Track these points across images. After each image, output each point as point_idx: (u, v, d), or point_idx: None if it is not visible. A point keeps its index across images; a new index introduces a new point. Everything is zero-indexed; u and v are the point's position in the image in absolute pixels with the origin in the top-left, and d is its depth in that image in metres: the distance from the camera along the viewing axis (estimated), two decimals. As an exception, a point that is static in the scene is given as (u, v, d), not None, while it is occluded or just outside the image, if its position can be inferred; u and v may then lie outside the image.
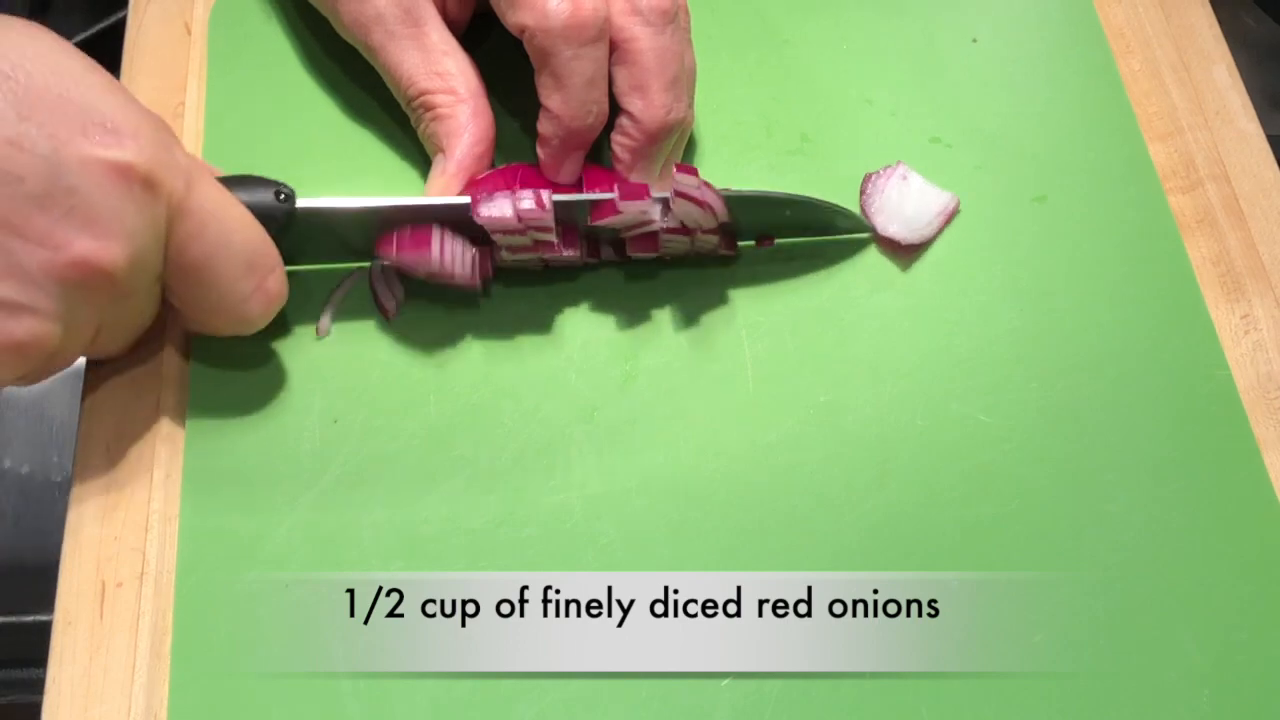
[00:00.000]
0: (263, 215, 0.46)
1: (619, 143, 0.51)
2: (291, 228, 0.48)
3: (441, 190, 0.51)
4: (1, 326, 0.39)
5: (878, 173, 0.56)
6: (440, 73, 0.52)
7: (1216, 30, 0.63)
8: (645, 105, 0.50)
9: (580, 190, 0.52)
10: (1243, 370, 0.53)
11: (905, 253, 0.55)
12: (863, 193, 0.56)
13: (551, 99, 0.50)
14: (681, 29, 0.52)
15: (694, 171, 0.49)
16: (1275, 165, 0.59)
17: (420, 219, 0.49)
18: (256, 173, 0.48)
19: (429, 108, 0.52)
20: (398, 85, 0.53)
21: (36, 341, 0.40)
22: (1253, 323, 0.54)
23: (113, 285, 0.41)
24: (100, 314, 0.43)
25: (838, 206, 0.54)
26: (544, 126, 0.51)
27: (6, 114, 0.39)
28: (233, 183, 0.46)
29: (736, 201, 0.51)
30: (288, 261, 0.48)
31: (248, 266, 0.45)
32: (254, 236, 0.45)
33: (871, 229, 0.55)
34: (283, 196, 0.47)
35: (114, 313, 0.44)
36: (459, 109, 0.52)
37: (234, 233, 0.45)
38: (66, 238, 0.39)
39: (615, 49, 0.50)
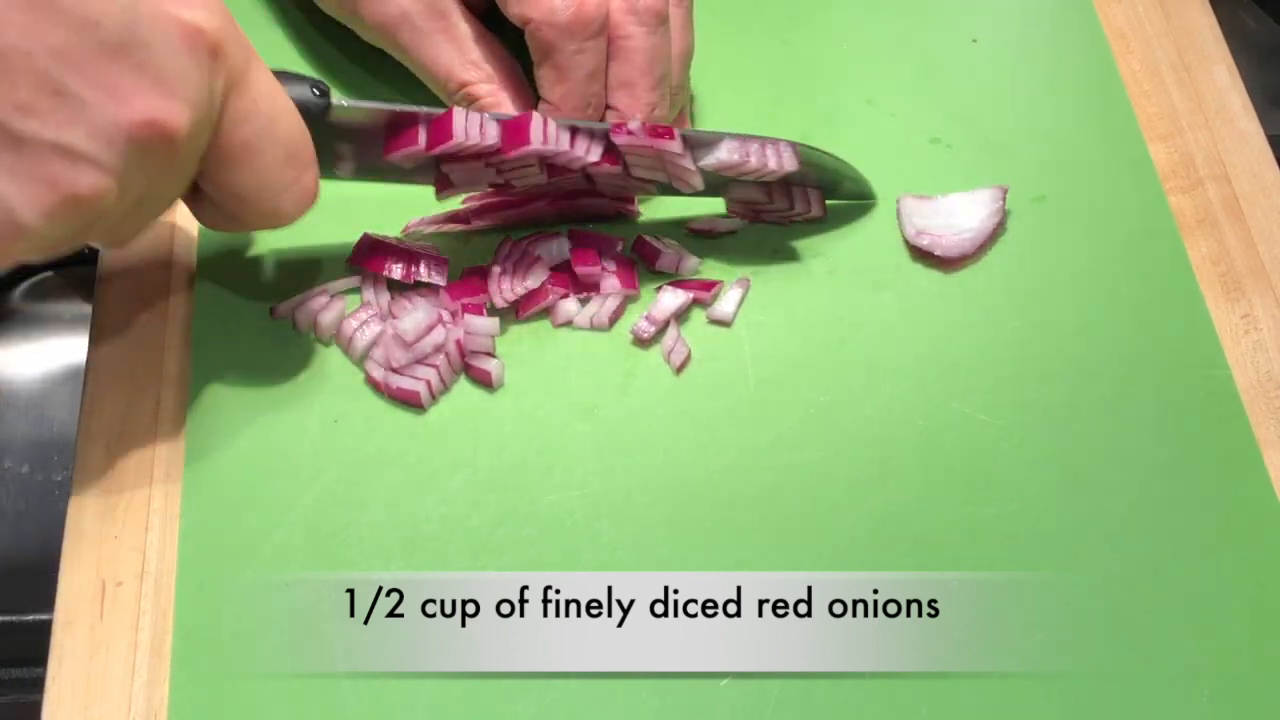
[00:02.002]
0: (301, 109, 0.45)
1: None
2: (323, 129, 0.47)
3: None
4: (64, 175, 0.37)
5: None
6: (475, 61, 0.52)
7: (1216, 30, 0.63)
8: (631, 102, 0.51)
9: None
10: (1243, 369, 0.53)
11: (950, 265, 0.55)
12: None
13: (553, 91, 0.50)
14: (684, 9, 0.53)
15: (669, 133, 0.49)
16: (1275, 165, 0.59)
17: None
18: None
19: (473, 99, 0.52)
20: (436, 81, 0.53)
21: (95, 196, 0.38)
22: (1253, 322, 0.54)
23: (171, 150, 0.39)
24: (147, 183, 0.40)
25: (844, 166, 0.54)
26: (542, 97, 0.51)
27: None
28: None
29: (697, 139, 0.51)
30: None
31: (289, 156, 0.43)
32: (297, 127, 0.44)
33: (905, 238, 0.55)
34: (318, 92, 0.46)
35: (155, 185, 0.41)
36: (502, 96, 0.52)
37: (280, 119, 0.43)
38: (135, 92, 0.38)
39: (608, 44, 0.50)
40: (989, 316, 0.53)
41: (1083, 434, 0.51)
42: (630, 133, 0.49)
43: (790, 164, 0.51)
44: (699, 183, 0.51)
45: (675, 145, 0.49)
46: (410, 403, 0.49)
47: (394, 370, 0.49)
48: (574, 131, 0.49)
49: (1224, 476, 0.50)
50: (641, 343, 0.52)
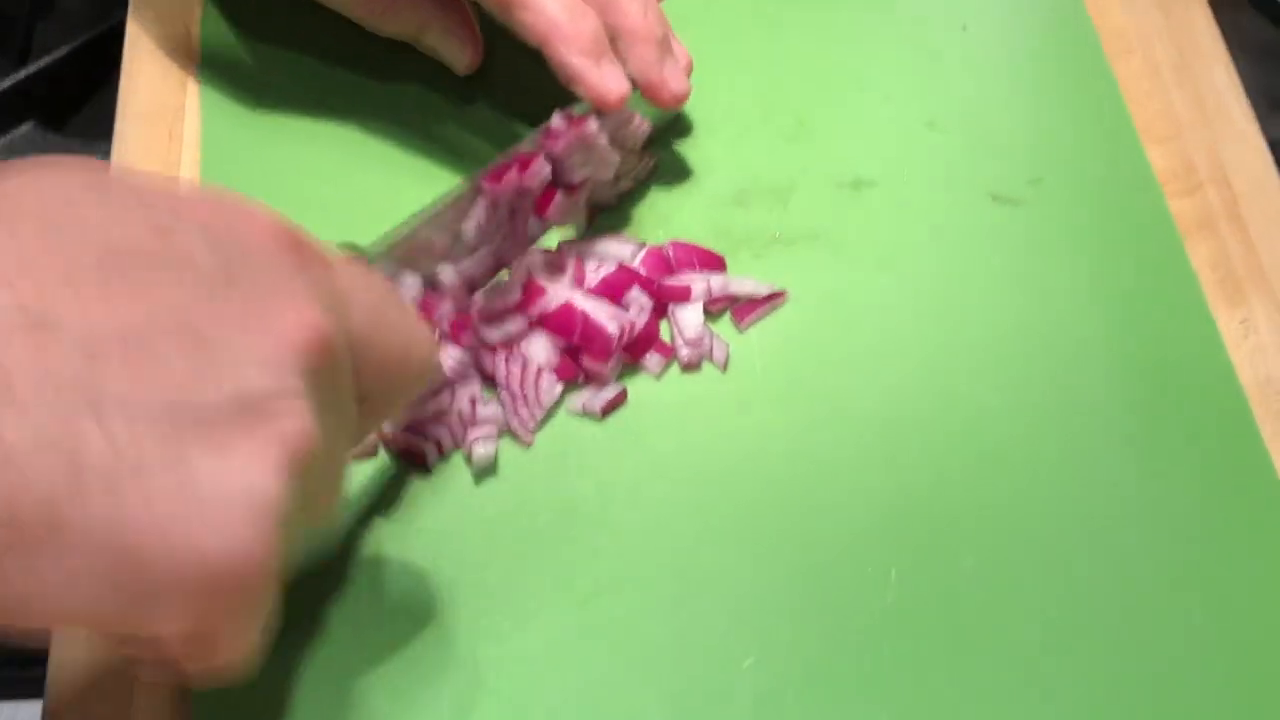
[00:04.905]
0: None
1: (635, 67, 0.51)
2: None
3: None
4: (266, 423, 0.31)
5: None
6: None
7: (1215, 32, 0.63)
8: (626, 20, 0.51)
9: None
10: (1242, 373, 0.53)
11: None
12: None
13: (534, 26, 0.50)
14: None
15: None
16: (1275, 168, 0.59)
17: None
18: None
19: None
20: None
21: (303, 428, 0.32)
22: (1252, 326, 0.54)
23: (332, 355, 0.34)
24: (327, 404, 0.35)
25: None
26: (554, 59, 0.50)
27: (135, 207, 0.33)
28: None
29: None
30: None
31: (401, 304, 0.40)
32: (381, 280, 0.40)
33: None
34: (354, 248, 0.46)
35: (336, 405, 0.36)
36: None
37: (370, 276, 0.39)
38: (269, 311, 0.33)
39: None
40: (990, 302, 0.54)
41: (1091, 414, 0.51)
42: (560, 132, 0.49)
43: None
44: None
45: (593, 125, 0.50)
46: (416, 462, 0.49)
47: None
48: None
49: (1228, 456, 0.51)
50: (690, 368, 0.51)
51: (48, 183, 0.32)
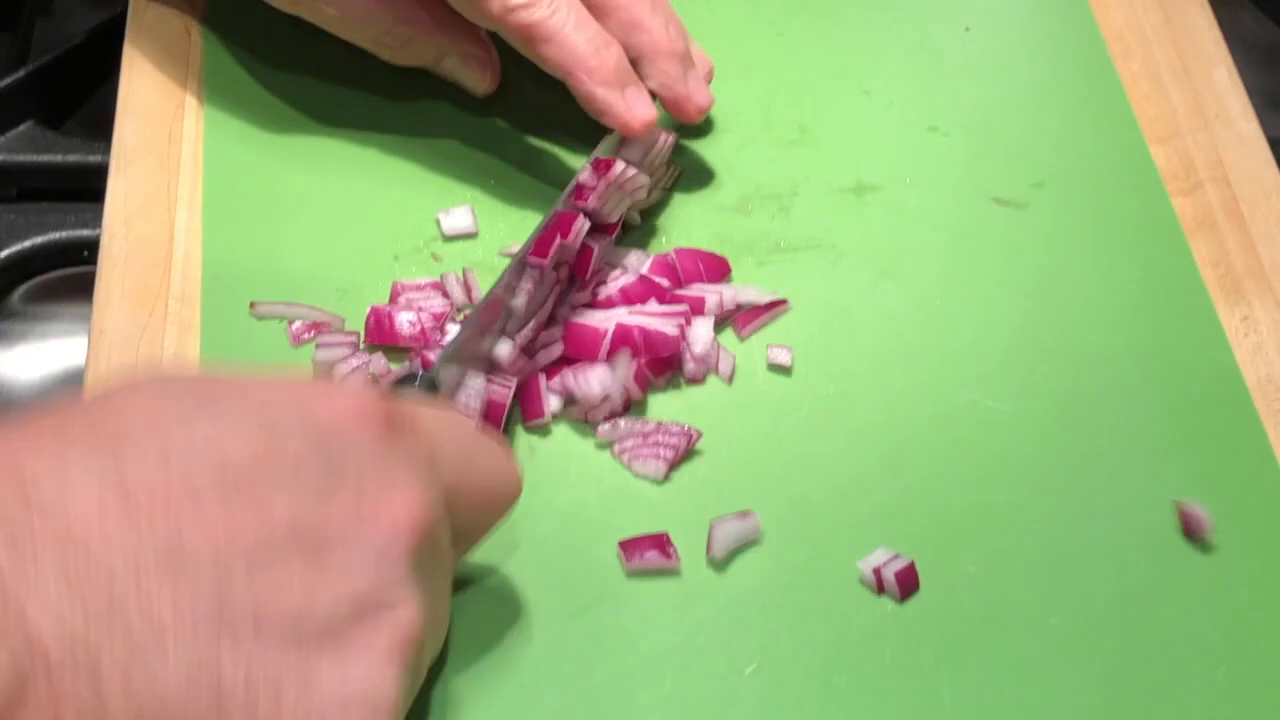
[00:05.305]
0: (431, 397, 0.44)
1: (659, 83, 0.52)
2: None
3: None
4: (384, 621, 0.33)
5: None
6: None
7: (1216, 32, 0.63)
8: (650, 39, 0.51)
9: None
10: (1243, 372, 0.53)
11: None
12: None
13: (558, 58, 0.50)
14: None
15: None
16: (1275, 167, 0.59)
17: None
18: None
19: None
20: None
21: (414, 622, 0.34)
22: (1253, 324, 0.54)
23: (433, 530, 0.36)
24: (427, 572, 0.36)
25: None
26: (579, 91, 0.50)
27: (240, 417, 0.34)
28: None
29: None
30: None
31: (482, 438, 0.41)
32: (459, 417, 0.42)
33: None
34: (420, 379, 0.46)
35: (436, 581, 0.38)
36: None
37: (450, 417, 0.40)
38: (373, 504, 0.34)
39: (592, 9, 0.51)
40: (992, 306, 0.54)
41: (1090, 416, 0.51)
42: (592, 186, 0.50)
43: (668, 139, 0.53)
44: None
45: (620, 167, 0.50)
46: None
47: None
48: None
49: (1232, 458, 0.51)
50: (695, 382, 0.51)
51: (158, 400, 0.33)
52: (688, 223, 0.55)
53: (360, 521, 0.34)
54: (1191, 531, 0.48)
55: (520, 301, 0.49)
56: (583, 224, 0.50)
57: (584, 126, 0.53)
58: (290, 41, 0.59)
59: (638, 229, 0.55)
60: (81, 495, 0.30)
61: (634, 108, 0.51)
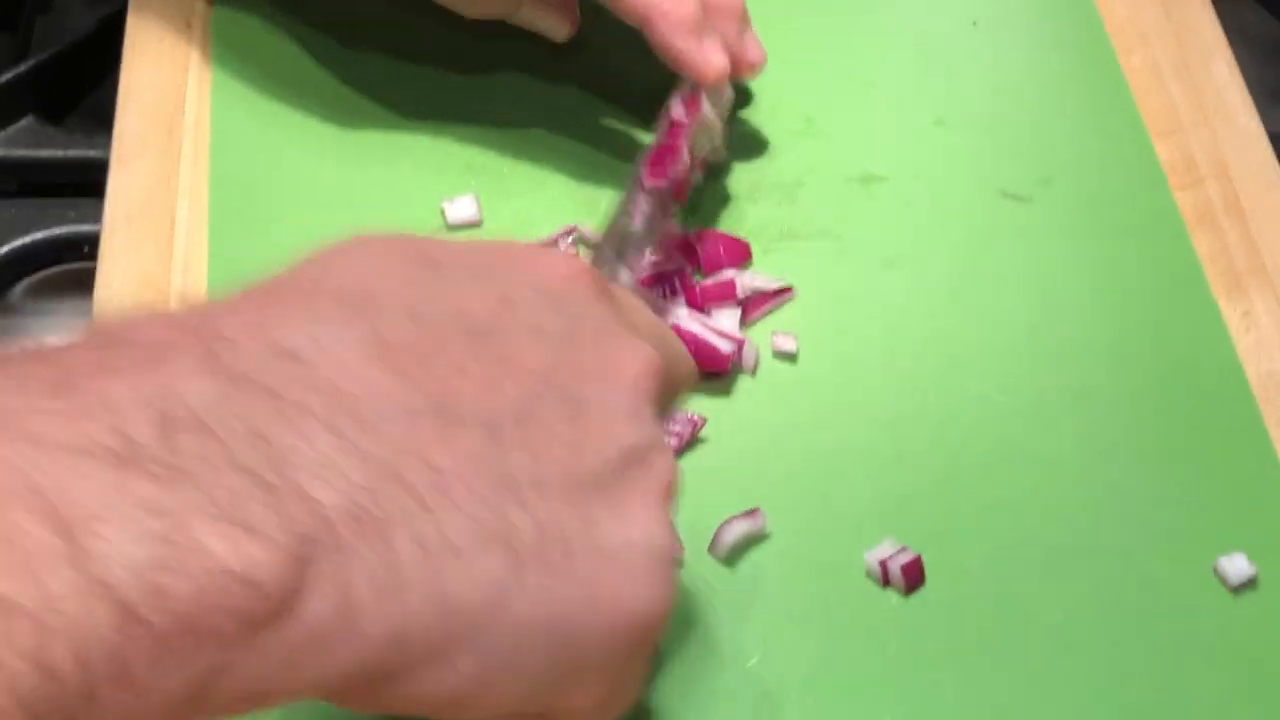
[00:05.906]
0: None
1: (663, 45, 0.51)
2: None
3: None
4: (644, 478, 0.33)
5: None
6: None
7: (1217, 27, 0.63)
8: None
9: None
10: (1244, 367, 0.53)
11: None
12: None
13: (637, 6, 0.50)
14: None
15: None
16: (1276, 162, 0.59)
17: None
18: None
19: None
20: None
21: (672, 471, 0.34)
22: (1253, 320, 0.54)
23: (663, 382, 0.36)
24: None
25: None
26: (656, 39, 0.50)
27: (471, 279, 0.33)
28: None
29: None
30: None
31: (659, 320, 0.41)
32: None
33: None
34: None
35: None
36: None
37: (633, 296, 0.40)
38: (613, 360, 0.34)
39: None
40: (998, 299, 0.54)
41: (1097, 410, 0.51)
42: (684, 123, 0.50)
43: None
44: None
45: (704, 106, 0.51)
46: None
47: None
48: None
49: (1234, 451, 0.51)
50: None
51: (377, 263, 0.32)
52: (694, 207, 0.55)
53: (605, 375, 0.33)
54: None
55: (638, 222, 0.49)
56: (685, 155, 0.50)
57: (591, 117, 0.53)
58: (294, 33, 0.59)
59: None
60: (340, 349, 0.29)
61: (711, 57, 0.51)
